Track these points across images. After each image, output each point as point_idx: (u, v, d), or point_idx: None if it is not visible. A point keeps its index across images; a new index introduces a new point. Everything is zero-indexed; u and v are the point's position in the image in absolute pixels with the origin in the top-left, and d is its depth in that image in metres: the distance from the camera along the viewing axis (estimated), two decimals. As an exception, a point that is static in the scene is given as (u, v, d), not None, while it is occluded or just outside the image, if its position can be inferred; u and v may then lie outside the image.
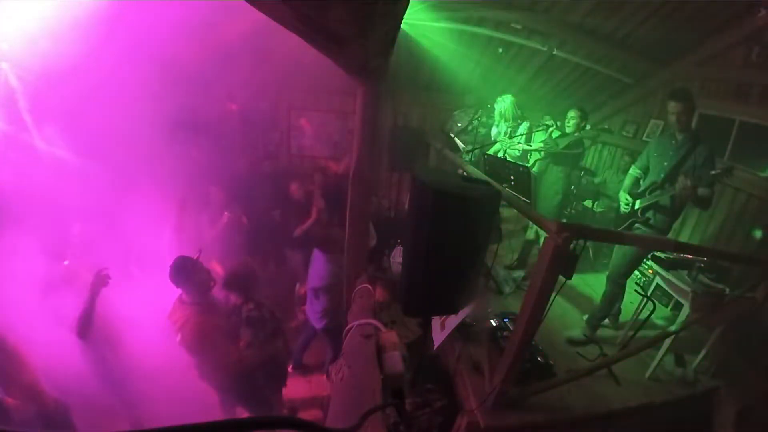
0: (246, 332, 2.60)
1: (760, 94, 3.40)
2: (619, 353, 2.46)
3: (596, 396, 2.34)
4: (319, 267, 3.17)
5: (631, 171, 3.12)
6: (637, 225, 2.90)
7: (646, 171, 2.97)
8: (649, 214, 2.83)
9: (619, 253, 2.95)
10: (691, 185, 2.51)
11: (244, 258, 3.11)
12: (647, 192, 2.84)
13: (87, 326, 2.36)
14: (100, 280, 2.38)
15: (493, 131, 4.34)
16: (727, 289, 2.53)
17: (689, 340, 2.71)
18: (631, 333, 2.72)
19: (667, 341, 2.49)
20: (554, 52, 4.19)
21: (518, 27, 4.00)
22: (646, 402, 2.38)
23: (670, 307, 3.38)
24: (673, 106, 2.63)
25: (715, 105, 3.86)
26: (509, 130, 4.15)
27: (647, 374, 2.56)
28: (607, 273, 3.05)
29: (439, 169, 4.60)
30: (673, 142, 2.76)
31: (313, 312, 3.34)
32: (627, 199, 3.00)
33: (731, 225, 3.54)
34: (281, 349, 2.92)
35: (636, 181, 3.04)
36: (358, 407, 1.06)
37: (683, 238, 3.90)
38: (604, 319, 3.01)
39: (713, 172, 2.47)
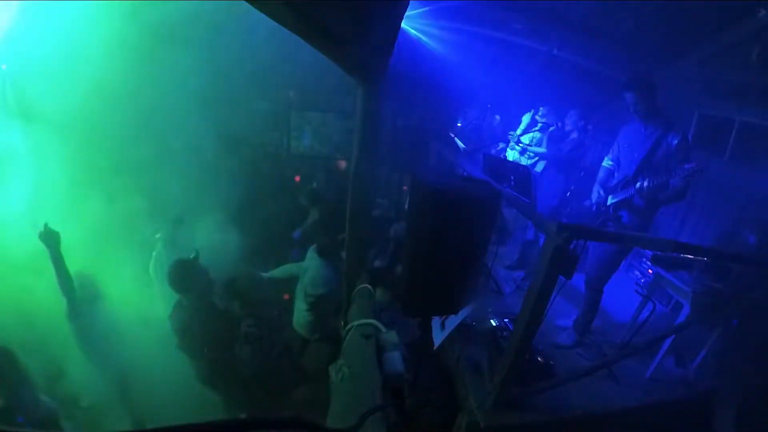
0: (244, 349, 2.58)
1: (760, 94, 3.39)
2: (619, 353, 2.47)
3: (596, 396, 2.34)
4: (317, 273, 3.02)
5: (604, 162, 2.97)
6: (609, 224, 2.78)
7: (619, 162, 2.84)
8: (623, 212, 2.71)
9: (593, 257, 2.80)
10: (651, 187, 2.42)
11: (249, 270, 3.09)
12: (619, 187, 2.73)
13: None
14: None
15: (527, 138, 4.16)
16: (727, 289, 2.53)
17: (689, 340, 2.71)
18: (630, 333, 2.71)
19: (667, 341, 2.49)
20: (554, 52, 4.19)
21: (518, 27, 4.00)
22: (646, 402, 2.38)
23: (670, 307, 3.38)
24: (627, 96, 2.54)
25: (715, 105, 3.86)
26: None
27: (647, 374, 2.56)
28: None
29: (439, 169, 4.61)
30: (642, 130, 2.62)
31: (305, 323, 3.17)
32: (599, 192, 2.86)
33: (731, 225, 3.54)
34: (284, 365, 2.89)
35: (610, 173, 2.91)
36: (358, 407, 1.06)
37: (683, 238, 3.89)
38: (590, 323, 2.88)
39: (688, 166, 2.35)
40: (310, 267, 3.07)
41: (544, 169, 3.91)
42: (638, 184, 2.57)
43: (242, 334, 2.60)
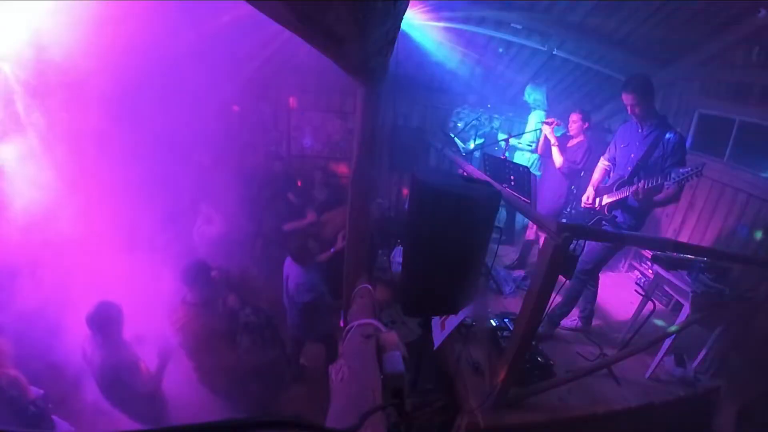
0: (245, 338, 2.58)
1: (760, 94, 3.39)
2: (619, 353, 2.47)
3: (596, 396, 2.35)
4: (299, 280, 2.95)
5: (600, 163, 3.00)
6: (604, 223, 2.81)
7: (615, 162, 2.87)
8: (617, 212, 2.74)
9: (586, 249, 2.81)
10: (646, 189, 2.43)
11: (244, 262, 3.09)
12: (614, 187, 2.74)
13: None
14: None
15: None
16: (727, 289, 2.53)
17: (689, 340, 2.71)
18: (630, 333, 2.72)
19: (667, 341, 2.49)
20: (554, 52, 4.19)
21: (518, 27, 4.00)
22: (646, 402, 2.38)
23: (670, 307, 3.38)
24: (624, 97, 2.56)
25: (715, 105, 3.86)
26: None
27: (647, 374, 2.56)
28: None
29: (439, 169, 4.62)
30: (639, 131, 2.65)
31: (296, 326, 3.15)
32: (587, 196, 2.89)
33: (731, 225, 3.54)
34: (280, 356, 2.89)
35: (606, 174, 2.94)
36: (358, 407, 1.06)
37: (683, 238, 3.89)
38: (565, 315, 2.94)
39: (683, 170, 2.34)
40: (290, 275, 3.02)
41: (548, 169, 3.90)
42: (633, 186, 2.57)
43: (242, 324, 2.60)
